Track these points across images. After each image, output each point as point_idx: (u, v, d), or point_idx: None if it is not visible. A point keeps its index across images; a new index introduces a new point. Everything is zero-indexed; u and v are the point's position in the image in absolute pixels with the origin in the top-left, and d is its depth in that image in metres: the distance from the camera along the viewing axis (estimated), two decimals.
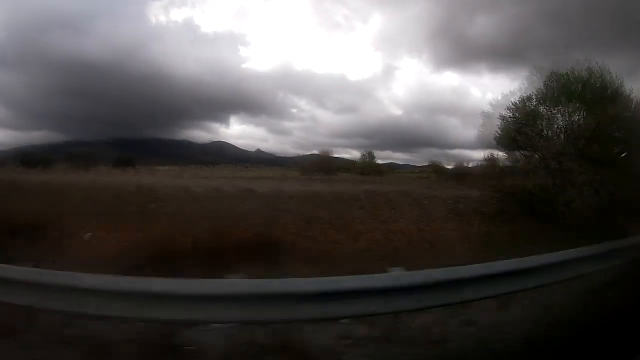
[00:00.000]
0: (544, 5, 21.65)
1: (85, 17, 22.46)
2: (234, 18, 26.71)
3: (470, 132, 26.77)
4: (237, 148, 22.95)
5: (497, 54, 23.67)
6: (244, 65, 30.15)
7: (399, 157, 28.74)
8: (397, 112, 26.93)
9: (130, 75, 22.58)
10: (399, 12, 29.07)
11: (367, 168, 16.99)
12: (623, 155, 6.69)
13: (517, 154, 7.33)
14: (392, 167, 19.62)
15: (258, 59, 33.33)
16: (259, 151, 21.34)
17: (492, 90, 28.52)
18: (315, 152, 21.88)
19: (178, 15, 29.34)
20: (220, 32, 26.87)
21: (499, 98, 7.51)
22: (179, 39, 25.77)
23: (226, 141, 25.46)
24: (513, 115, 7.15)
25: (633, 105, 6.69)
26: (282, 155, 21.22)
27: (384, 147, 35.09)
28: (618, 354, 2.45)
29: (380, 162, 21.25)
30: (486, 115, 7.57)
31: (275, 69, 27.65)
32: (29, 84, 21.41)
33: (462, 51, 25.17)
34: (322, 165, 16.48)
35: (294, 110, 25.91)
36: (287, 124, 25.55)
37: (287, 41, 30.46)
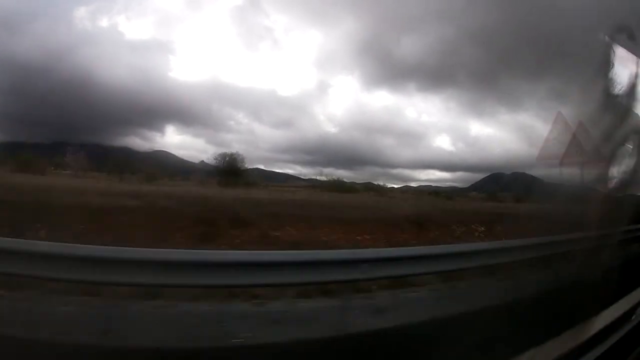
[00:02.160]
0: (469, 27, 26.53)
1: (15, 17, 22.11)
2: (160, 26, 27.45)
3: (406, 152, 30.27)
4: (178, 158, 23.76)
5: (425, 74, 27.92)
6: (173, 74, 30.45)
7: (342, 174, 30.71)
8: (332, 129, 29.27)
9: (61, 79, 22.59)
10: (329, 29, 31.87)
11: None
12: None
13: None
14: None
15: (189, 68, 33.35)
16: (202, 162, 22.57)
17: (422, 110, 32.15)
18: (260, 166, 23.82)
19: (105, 21, 29.22)
20: (146, 39, 27.35)
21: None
22: (107, 44, 26.09)
23: (167, 150, 25.87)
24: None
25: None
26: None
27: (326, 163, 35.76)
28: None
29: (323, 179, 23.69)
30: None
31: (207, 80, 28.62)
32: None
33: (391, 70, 28.82)
34: None
35: (231, 122, 27.01)
36: (225, 136, 26.59)
37: (218, 52, 31.51)
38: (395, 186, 26.78)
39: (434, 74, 27.70)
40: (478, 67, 27.28)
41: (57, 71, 22.77)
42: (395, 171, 32.49)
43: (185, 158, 24.32)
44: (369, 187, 22.79)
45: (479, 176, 29.91)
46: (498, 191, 27.38)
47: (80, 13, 29.21)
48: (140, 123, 26.02)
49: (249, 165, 24.45)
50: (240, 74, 33.25)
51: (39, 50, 22.40)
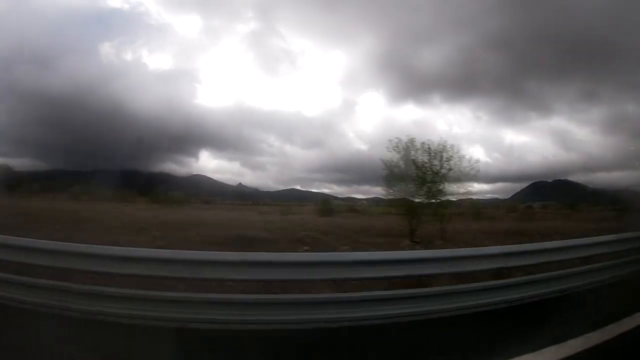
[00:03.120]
0: (486, 32, 26.03)
1: (45, 53, 23.15)
2: (183, 56, 28.20)
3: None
4: (215, 181, 24.18)
5: (449, 84, 27.49)
6: (200, 101, 31.29)
7: (378, 192, 30.31)
8: (363, 146, 29.14)
9: (94, 110, 23.46)
10: (349, 47, 32.01)
11: None
12: None
13: None
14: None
15: (215, 95, 34.12)
16: (240, 185, 22.81)
17: (452, 122, 31.46)
18: (297, 186, 23.84)
19: (129, 54, 30.24)
20: (170, 69, 28.22)
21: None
22: (133, 76, 27.01)
23: (204, 174, 26.40)
24: None
25: None
26: (265, 190, 22.82)
27: (360, 181, 35.97)
28: None
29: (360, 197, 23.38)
30: None
31: (234, 105, 29.25)
32: (4, 111, 21.41)
33: (414, 83, 28.57)
34: None
35: (263, 145, 27.44)
36: (259, 159, 27.02)
37: (242, 77, 32.11)
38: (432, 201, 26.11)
39: (457, 84, 27.36)
40: (501, 72, 26.76)
41: (90, 103, 23.75)
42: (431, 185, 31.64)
43: (223, 181, 24.78)
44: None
45: (519, 186, 28.89)
46: (539, 200, 26.36)
47: (105, 48, 30.42)
48: (174, 149, 26.69)
49: (284, 186, 24.67)
50: (266, 97, 34.16)
51: (70, 84, 23.40)
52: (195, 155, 28.57)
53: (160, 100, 25.27)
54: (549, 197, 27.03)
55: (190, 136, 24.92)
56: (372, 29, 28.95)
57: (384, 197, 26.07)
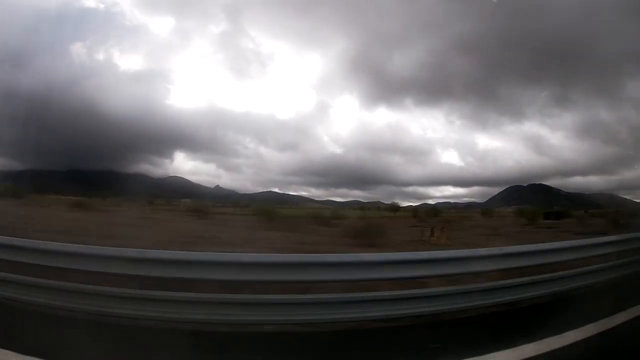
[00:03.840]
0: (456, 36, 26.37)
1: (17, 53, 22.64)
2: (156, 57, 27.74)
3: (415, 169, 29.98)
4: (192, 183, 23.95)
5: (420, 88, 27.73)
6: (173, 102, 30.58)
7: (357, 195, 30.36)
8: (338, 149, 29.28)
9: (67, 110, 23.02)
10: (321, 50, 32.00)
11: None
12: None
13: None
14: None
15: (188, 96, 33.50)
16: (217, 187, 22.66)
17: (426, 126, 31.81)
18: (274, 189, 23.81)
19: (101, 54, 29.59)
20: (142, 70, 27.66)
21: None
22: (106, 76, 26.57)
23: (180, 176, 26.07)
24: None
25: None
26: (243, 192, 22.75)
27: (338, 184, 35.65)
28: None
29: (339, 200, 23.43)
30: None
31: (207, 106, 28.90)
32: None
33: (387, 87, 28.76)
34: None
35: (238, 147, 27.19)
36: (234, 160, 26.79)
37: (216, 79, 31.77)
38: (414, 204, 26.44)
39: (429, 88, 27.59)
40: (473, 77, 27.04)
41: (63, 102, 23.24)
42: (409, 189, 32.06)
43: (200, 183, 24.54)
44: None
45: (496, 190, 29.42)
46: (515, 204, 26.93)
47: (78, 48, 29.75)
48: (149, 150, 26.36)
49: (262, 188, 24.60)
50: (239, 99, 33.78)
51: (42, 84, 22.86)
52: (169, 156, 28.06)
53: (133, 101, 24.89)
54: (524, 201, 27.62)
55: (164, 137, 24.63)
56: (344, 33, 28.83)
57: (362, 200, 26.27)
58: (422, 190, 33.92)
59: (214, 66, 30.45)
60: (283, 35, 32.38)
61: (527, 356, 2.97)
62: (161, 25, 35.12)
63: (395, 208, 20.59)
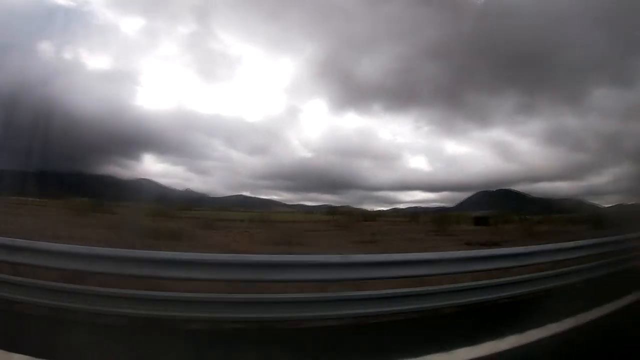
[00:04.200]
0: (423, 44, 26.98)
1: None
2: (124, 58, 27.53)
3: (385, 174, 30.37)
4: (162, 186, 23.81)
5: (388, 94, 28.25)
6: (140, 104, 30.36)
7: (328, 199, 30.63)
8: (308, 154, 29.45)
9: (35, 109, 22.53)
10: (292, 55, 32.19)
11: None
12: None
13: None
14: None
15: (156, 98, 33.24)
16: (188, 190, 22.65)
17: (395, 132, 32.19)
18: (245, 193, 23.91)
19: (69, 53, 29.18)
20: (110, 70, 27.46)
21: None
22: (73, 76, 26.21)
23: (149, 178, 25.85)
24: None
25: None
26: (213, 196, 22.78)
27: (308, 189, 35.83)
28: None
29: (310, 204, 23.66)
30: None
31: (176, 108, 28.74)
32: None
33: (355, 92, 29.17)
34: None
35: (207, 150, 27.10)
36: (204, 163, 26.74)
37: (184, 81, 31.44)
38: (384, 209, 26.99)
39: (397, 94, 28.29)
40: (439, 83, 27.86)
41: (29, 102, 22.81)
42: (379, 194, 32.66)
43: (170, 186, 24.43)
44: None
45: (465, 195, 30.17)
46: (484, 209, 27.74)
47: (46, 46, 29.17)
48: (117, 152, 26.03)
49: (232, 192, 24.62)
50: (208, 101, 33.63)
51: (8, 82, 22.40)
52: (138, 158, 27.76)
53: (100, 101, 24.63)
54: (493, 206, 28.44)
55: (132, 139, 24.50)
56: (313, 37, 29.08)
57: (334, 205, 26.58)
58: (392, 195, 34.51)
59: (182, 68, 30.33)
60: (252, 38, 32.48)
61: None
62: (130, 25, 34.67)
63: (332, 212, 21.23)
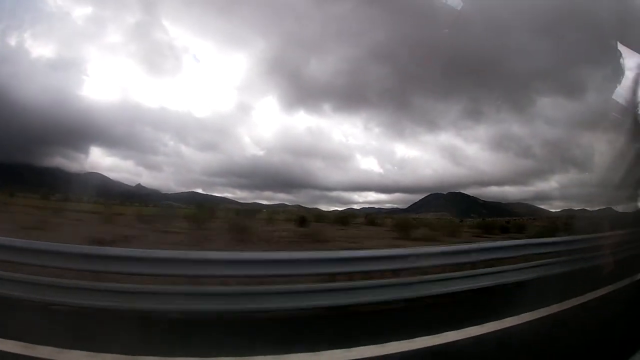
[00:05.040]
0: (372, 46, 27.57)
1: None
2: (71, 45, 26.42)
3: (336, 174, 30.86)
4: (112, 181, 23.11)
5: (337, 94, 28.69)
6: (87, 94, 29.06)
7: (283, 198, 30.61)
8: (260, 152, 29.29)
9: None
10: (243, 51, 31.89)
11: None
12: None
13: None
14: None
15: (103, 89, 31.80)
16: (139, 186, 22.34)
17: (346, 132, 32.68)
18: (198, 189, 23.82)
19: (14, 39, 27.83)
20: (56, 58, 26.26)
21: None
22: (17, 63, 25.16)
23: (99, 172, 24.95)
24: None
25: None
26: (166, 192, 22.52)
27: (263, 187, 35.42)
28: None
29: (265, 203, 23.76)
30: None
31: (124, 100, 27.69)
32: None
33: (304, 91, 29.29)
34: None
35: (157, 144, 26.33)
36: (153, 158, 25.91)
37: (133, 73, 30.58)
38: (339, 209, 27.55)
39: (346, 94, 28.42)
40: (387, 86, 28.35)
41: None
42: (333, 194, 32.93)
43: (120, 180, 23.85)
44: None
45: (417, 197, 31.37)
46: (434, 211, 29.18)
47: None
48: (63, 143, 24.94)
49: (185, 188, 24.52)
50: (157, 95, 32.46)
51: None
52: (85, 151, 26.56)
53: (46, 90, 23.63)
54: (443, 208, 29.89)
55: (78, 130, 23.47)
56: (262, 34, 28.81)
57: (289, 204, 27.04)
58: (346, 195, 34.98)
59: (130, 59, 29.32)
60: (202, 32, 31.66)
61: None
62: (78, 12, 32.87)
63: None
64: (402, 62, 26.65)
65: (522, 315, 4.72)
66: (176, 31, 30.94)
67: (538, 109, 27.84)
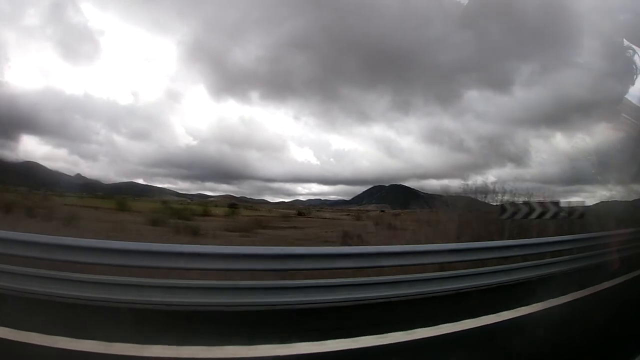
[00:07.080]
0: (295, 35, 27.65)
1: None
2: None
3: (273, 165, 30.86)
4: (50, 170, 22.92)
5: (263, 82, 28.73)
6: (10, 80, 27.39)
7: (226, 189, 30.48)
8: (192, 141, 28.91)
9: None
10: (169, 38, 30.88)
11: None
12: None
13: None
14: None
15: (28, 75, 30.63)
16: (79, 176, 22.47)
17: (278, 122, 32.58)
18: (138, 180, 23.99)
19: None
20: None
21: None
22: None
23: (35, 161, 24.17)
24: None
25: None
26: (107, 182, 22.62)
27: (204, 178, 34.96)
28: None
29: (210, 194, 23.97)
30: None
31: (50, 86, 26.71)
32: None
33: (230, 79, 29.02)
34: None
35: (88, 133, 25.60)
36: (87, 147, 25.21)
37: (57, 59, 29.37)
38: (286, 200, 28.44)
39: (272, 83, 28.30)
40: (313, 76, 28.48)
41: None
42: (275, 185, 33.08)
43: (59, 170, 23.56)
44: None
45: (361, 189, 32.68)
46: (377, 202, 30.92)
47: None
48: None
49: (126, 178, 24.30)
50: (83, 82, 31.19)
51: None
52: (16, 139, 25.52)
53: None
54: (385, 200, 31.70)
55: (5, 117, 22.82)
56: (185, 20, 28.31)
57: (234, 195, 27.52)
58: (288, 186, 35.32)
59: (51, 44, 28.10)
60: (123, 16, 30.74)
61: None
62: None
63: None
64: (323, 51, 26.97)
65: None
66: (95, 13, 29.43)
67: (465, 103, 29.17)
